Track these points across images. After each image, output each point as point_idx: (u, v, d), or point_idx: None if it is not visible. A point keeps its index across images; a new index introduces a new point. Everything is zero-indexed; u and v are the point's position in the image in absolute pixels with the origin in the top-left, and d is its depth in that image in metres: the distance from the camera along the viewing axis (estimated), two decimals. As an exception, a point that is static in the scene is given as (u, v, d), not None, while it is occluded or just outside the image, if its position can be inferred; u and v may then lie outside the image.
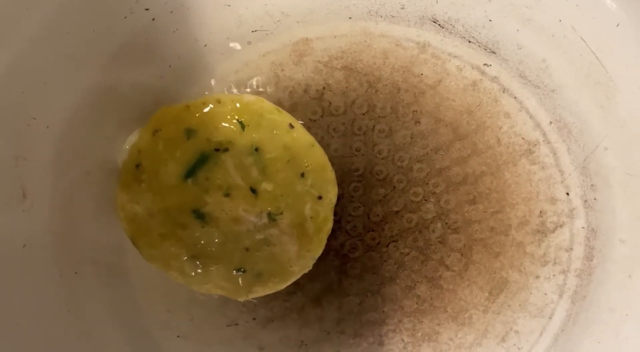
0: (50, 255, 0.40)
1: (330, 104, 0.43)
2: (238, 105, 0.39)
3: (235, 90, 0.42)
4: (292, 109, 0.43)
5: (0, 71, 0.35)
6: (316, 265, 0.41)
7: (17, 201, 0.38)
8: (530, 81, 0.43)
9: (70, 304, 0.41)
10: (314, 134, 0.41)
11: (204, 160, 0.39)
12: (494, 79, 0.44)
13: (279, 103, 0.42)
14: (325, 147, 0.42)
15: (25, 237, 0.38)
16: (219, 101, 0.39)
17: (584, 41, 0.41)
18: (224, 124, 0.39)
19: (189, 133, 0.39)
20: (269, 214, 0.39)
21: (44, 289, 0.40)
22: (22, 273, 0.38)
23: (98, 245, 0.43)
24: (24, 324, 0.38)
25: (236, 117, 0.39)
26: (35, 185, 0.38)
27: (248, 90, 0.43)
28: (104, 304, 0.43)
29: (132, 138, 0.40)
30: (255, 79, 0.43)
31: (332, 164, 0.41)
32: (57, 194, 0.40)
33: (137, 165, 0.39)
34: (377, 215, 0.44)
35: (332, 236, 0.42)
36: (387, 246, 0.44)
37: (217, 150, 0.39)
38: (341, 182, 0.43)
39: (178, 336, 0.45)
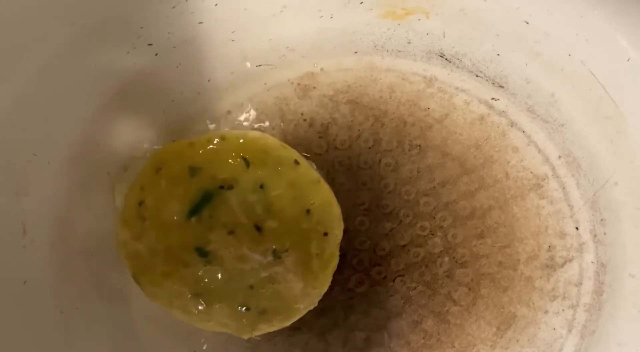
0: (51, 291, 0.39)
1: (335, 138, 0.43)
2: (242, 141, 0.38)
3: (240, 126, 0.42)
4: (297, 143, 0.42)
5: (2, 108, 0.35)
6: (321, 300, 0.40)
7: (18, 237, 0.37)
8: (538, 115, 0.43)
9: (70, 340, 0.40)
10: (320, 168, 0.41)
11: (208, 198, 0.38)
12: (502, 113, 0.43)
13: (283, 137, 0.42)
14: (331, 181, 0.42)
15: (26, 274, 0.38)
16: (223, 138, 0.38)
17: (594, 75, 0.40)
18: (228, 161, 0.38)
19: (193, 171, 0.38)
20: (274, 252, 0.38)
21: (44, 326, 0.39)
22: (22, 310, 0.38)
23: (100, 281, 0.42)
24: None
25: (241, 154, 0.38)
26: (36, 220, 0.38)
27: (253, 125, 0.42)
28: (105, 340, 0.42)
29: (130, 173, 0.40)
30: (260, 114, 0.43)
31: (338, 198, 0.40)
32: (58, 230, 0.39)
33: (140, 203, 0.38)
34: (384, 249, 0.43)
35: (338, 271, 0.41)
36: (394, 281, 0.43)
37: (221, 187, 0.38)
38: (347, 216, 0.42)
39: None
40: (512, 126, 0.43)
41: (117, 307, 0.43)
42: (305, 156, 0.40)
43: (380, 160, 0.43)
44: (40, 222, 0.38)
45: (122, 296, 0.43)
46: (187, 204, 0.38)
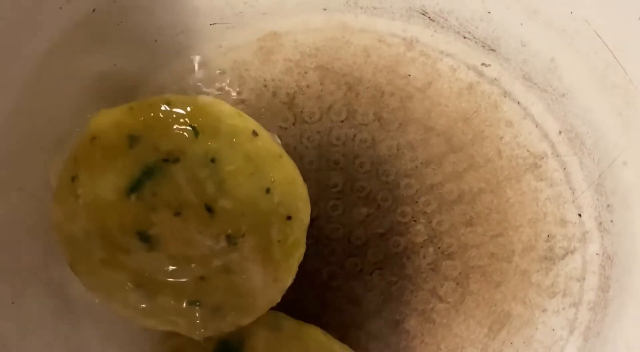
0: None
1: (303, 109, 0.40)
2: (191, 108, 0.35)
3: (190, 93, 0.39)
4: (259, 116, 0.40)
5: None
6: (289, 296, 0.37)
7: None
8: (536, 84, 0.41)
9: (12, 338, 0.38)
10: (285, 145, 0.39)
11: (150, 172, 0.34)
12: (494, 81, 0.41)
13: (242, 108, 0.39)
14: (298, 159, 0.39)
15: None
16: (168, 103, 0.34)
17: (600, 37, 0.38)
18: (174, 129, 0.34)
19: (132, 140, 0.34)
20: (228, 237, 0.35)
21: None
22: None
23: (37, 271, 0.40)
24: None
25: (189, 121, 0.35)
26: None
27: (205, 92, 0.40)
28: (47, 337, 0.40)
29: (66, 147, 0.36)
30: (214, 81, 0.40)
31: (306, 179, 0.37)
32: None
33: (73, 178, 0.35)
34: (359, 238, 0.41)
35: (308, 263, 0.39)
36: (371, 274, 0.41)
37: (165, 160, 0.34)
38: (317, 199, 0.40)
39: None
40: (505, 96, 0.41)
41: (59, 302, 0.40)
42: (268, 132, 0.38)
43: (354, 136, 0.41)
44: None
45: (64, 290, 0.40)
46: (126, 179, 0.34)
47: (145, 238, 0.35)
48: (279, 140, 0.37)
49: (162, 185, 0.34)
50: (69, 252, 0.36)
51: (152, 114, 0.34)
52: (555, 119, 0.41)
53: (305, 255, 0.37)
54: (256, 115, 0.39)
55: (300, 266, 0.37)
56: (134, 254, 0.35)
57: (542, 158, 0.41)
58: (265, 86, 0.40)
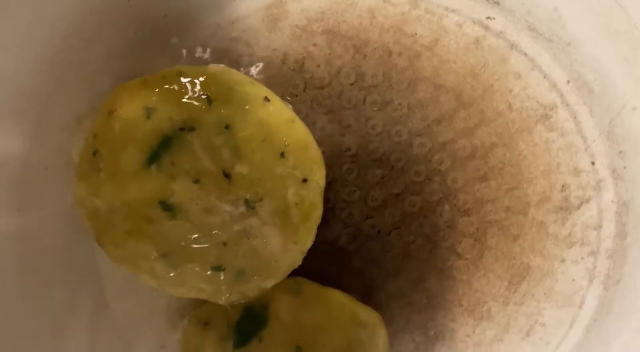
0: (14, 260, 0.37)
1: (312, 75, 0.40)
2: (203, 77, 0.35)
3: (201, 63, 0.38)
4: (270, 84, 0.39)
5: None
6: (308, 260, 0.37)
7: None
8: (541, 34, 0.40)
9: (38, 313, 0.38)
10: (297, 111, 0.37)
11: (167, 142, 0.34)
12: (500, 34, 0.40)
13: (251, 77, 0.39)
14: (311, 125, 0.39)
15: None
16: (180, 74, 0.34)
17: None
18: (188, 99, 0.34)
19: (149, 112, 0.34)
20: (247, 202, 0.35)
21: (6, 305, 0.36)
22: None
23: (64, 248, 0.40)
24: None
25: (201, 90, 0.34)
26: None
27: (216, 63, 0.39)
28: (76, 315, 0.40)
29: (86, 125, 0.37)
30: (223, 51, 0.40)
31: (320, 144, 0.37)
32: (13, 194, 0.37)
33: (94, 153, 0.35)
34: (375, 199, 0.41)
35: (326, 226, 0.40)
36: (389, 234, 0.41)
37: (181, 129, 0.34)
38: (332, 164, 0.40)
39: (162, 347, 0.42)
40: (512, 49, 0.40)
41: (87, 278, 0.41)
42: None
43: (365, 98, 0.40)
44: None
45: (91, 266, 0.41)
46: (145, 150, 0.34)
47: (167, 207, 0.35)
48: (290, 107, 0.37)
49: (180, 154, 0.34)
50: (93, 226, 0.36)
51: (165, 86, 0.34)
52: (563, 68, 0.40)
53: (323, 219, 0.36)
54: (266, 83, 0.38)
55: (319, 231, 0.36)
56: (157, 223, 0.35)
57: (552, 108, 0.40)
58: (274, 54, 0.40)
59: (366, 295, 0.41)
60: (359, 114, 0.40)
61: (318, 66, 0.40)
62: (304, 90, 0.40)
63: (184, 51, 0.40)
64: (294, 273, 0.37)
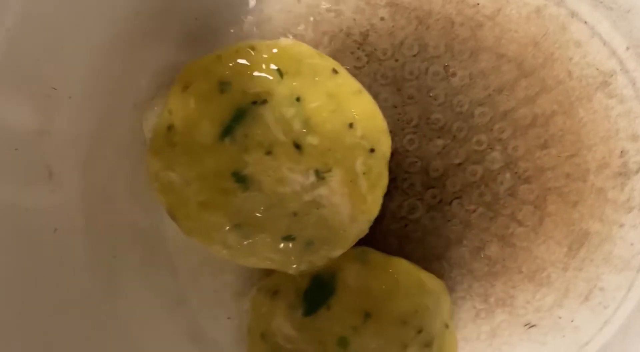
0: (84, 239, 0.38)
1: (376, 47, 0.40)
2: (275, 51, 0.35)
3: (270, 38, 0.39)
4: (334, 57, 0.39)
5: (13, 38, 0.32)
6: (373, 229, 0.38)
7: (43, 181, 0.36)
8: (601, 2, 0.40)
9: (109, 292, 0.39)
10: (361, 83, 0.38)
11: (241, 115, 0.35)
12: (560, 2, 0.40)
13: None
14: (374, 97, 0.38)
15: (56, 221, 0.36)
16: (253, 48, 0.35)
17: None
18: (260, 73, 0.35)
19: (223, 86, 0.35)
20: (317, 172, 0.35)
21: (79, 277, 0.38)
22: (54, 260, 0.36)
23: (136, 224, 0.41)
24: (59, 314, 0.36)
25: (273, 64, 0.35)
26: (62, 162, 0.36)
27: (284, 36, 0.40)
28: (146, 290, 0.41)
29: (160, 100, 0.37)
30: (291, 26, 0.40)
31: (383, 116, 0.37)
32: (87, 171, 0.38)
33: (169, 128, 0.35)
34: (437, 170, 0.41)
35: (388, 197, 0.39)
36: (450, 204, 0.41)
37: (254, 103, 0.35)
38: (394, 135, 0.40)
39: (228, 318, 0.43)
40: (572, 17, 0.40)
41: (158, 252, 0.42)
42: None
43: (427, 69, 0.40)
44: (66, 163, 0.37)
45: (162, 240, 0.42)
46: (219, 123, 0.35)
47: (240, 179, 0.35)
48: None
49: (253, 126, 0.35)
50: (167, 199, 0.36)
51: (238, 60, 0.35)
52: (622, 35, 0.40)
53: (386, 190, 0.37)
54: (331, 56, 0.38)
55: (382, 200, 0.37)
56: (230, 195, 0.35)
57: (612, 75, 0.40)
58: (338, 27, 0.40)
59: (428, 263, 0.41)
60: (421, 84, 0.40)
61: (381, 38, 0.40)
62: (367, 63, 0.40)
63: (254, 26, 0.40)
64: (359, 243, 0.38)
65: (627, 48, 0.40)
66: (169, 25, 0.38)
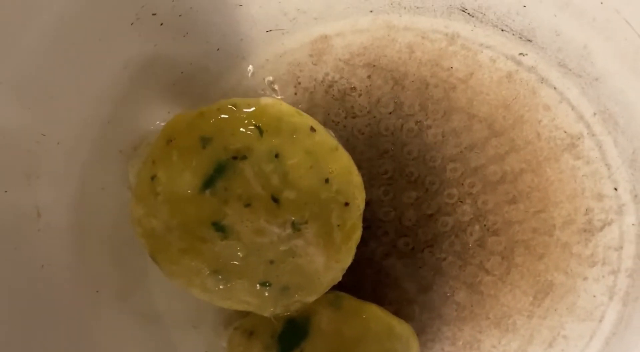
0: (70, 274, 0.39)
1: (353, 104, 0.41)
2: (255, 108, 0.37)
3: (252, 94, 0.41)
4: (314, 112, 0.41)
5: (5, 86, 0.34)
6: (346, 275, 0.39)
7: (32, 220, 0.37)
8: (570, 70, 0.41)
9: (92, 323, 0.40)
10: (338, 137, 0.39)
11: (221, 169, 0.36)
12: (531, 69, 0.41)
13: (298, 106, 0.41)
14: (351, 150, 0.40)
15: (43, 258, 0.38)
16: (234, 106, 0.36)
17: (629, 24, 0.39)
18: (241, 129, 0.36)
19: (205, 141, 0.36)
20: (293, 224, 0.37)
21: (64, 309, 0.39)
22: (41, 294, 0.38)
23: (119, 262, 0.42)
24: (44, 345, 0.37)
25: (253, 122, 0.36)
26: (50, 203, 0.38)
27: (266, 93, 0.41)
28: (127, 322, 0.42)
29: (145, 149, 0.38)
30: (272, 81, 0.41)
31: (359, 168, 0.38)
32: (73, 211, 0.39)
33: (152, 177, 0.37)
34: (410, 219, 0.42)
35: (363, 243, 0.40)
36: (422, 252, 0.42)
37: (234, 158, 0.36)
38: (370, 186, 0.41)
39: None
40: (542, 83, 0.41)
41: (138, 289, 0.43)
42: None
43: (402, 126, 0.41)
44: (54, 204, 0.38)
45: (143, 276, 0.43)
46: (200, 176, 0.36)
47: (219, 228, 0.36)
48: (332, 134, 0.38)
49: (233, 180, 0.36)
50: (149, 244, 0.38)
51: (220, 117, 0.36)
52: (590, 101, 0.41)
53: (361, 237, 0.38)
54: (311, 112, 0.40)
55: (357, 248, 0.38)
56: (210, 243, 0.37)
57: (579, 138, 0.41)
58: (318, 85, 0.41)
59: (399, 306, 0.42)
60: (396, 140, 0.41)
61: (359, 96, 0.41)
62: (344, 118, 0.41)
63: (235, 82, 0.41)
64: (334, 287, 0.39)
65: (594, 113, 0.41)
66: (155, 77, 0.40)
